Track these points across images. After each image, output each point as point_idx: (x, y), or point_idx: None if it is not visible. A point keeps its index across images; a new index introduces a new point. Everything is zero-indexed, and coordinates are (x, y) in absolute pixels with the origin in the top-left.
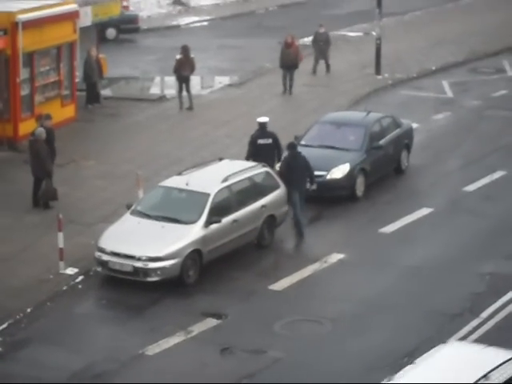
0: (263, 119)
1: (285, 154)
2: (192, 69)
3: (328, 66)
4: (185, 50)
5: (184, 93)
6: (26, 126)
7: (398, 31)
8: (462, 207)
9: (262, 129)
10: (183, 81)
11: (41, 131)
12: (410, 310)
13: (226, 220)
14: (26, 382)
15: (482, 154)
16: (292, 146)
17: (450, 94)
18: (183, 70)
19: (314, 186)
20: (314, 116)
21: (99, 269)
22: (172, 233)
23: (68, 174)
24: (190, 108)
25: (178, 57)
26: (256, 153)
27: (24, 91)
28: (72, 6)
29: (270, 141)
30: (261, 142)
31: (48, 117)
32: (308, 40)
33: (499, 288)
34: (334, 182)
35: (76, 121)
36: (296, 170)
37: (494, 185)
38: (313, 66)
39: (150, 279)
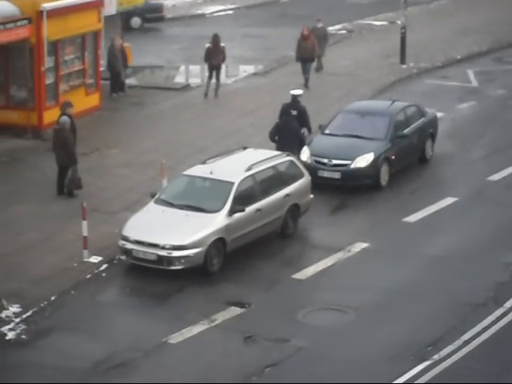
0: (295, 92)
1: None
2: (223, 57)
3: (321, 65)
4: (214, 39)
5: (213, 80)
6: (51, 115)
7: (422, 20)
8: (487, 197)
9: (294, 101)
10: (213, 69)
11: (65, 119)
12: (433, 299)
13: (250, 209)
14: (50, 369)
15: (506, 143)
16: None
17: (474, 83)
18: (213, 59)
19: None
20: (338, 105)
21: (123, 257)
22: (196, 221)
23: (92, 163)
24: (216, 95)
25: (207, 45)
26: (280, 126)
27: (49, 80)
28: None
29: (294, 112)
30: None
31: (69, 104)
32: (333, 28)
33: None
34: (359, 171)
35: (100, 109)
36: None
37: None
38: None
39: (173, 268)
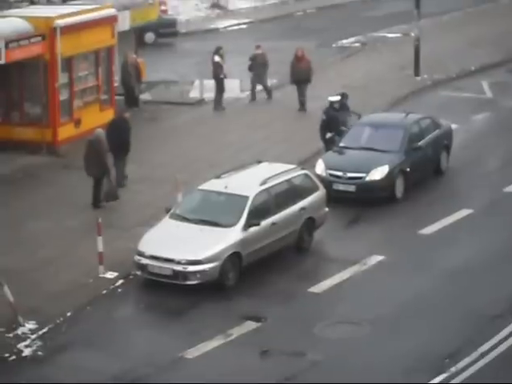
0: (333, 98)
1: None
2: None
3: (268, 92)
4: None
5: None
6: (65, 131)
7: (436, 32)
8: (502, 208)
9: (331, 107)
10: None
11: (100, 132)
12: (449, 311)
13: (265, 223)
14: None
15: None
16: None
17: (489, 94)
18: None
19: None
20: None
21: (139, 272)
22: (211, 236)
23: None
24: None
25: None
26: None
27: (63, 96)
28: (110, 11)
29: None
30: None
31: (125, 110)
32: (347, 41)
33: None
34: (374, 184)
35: None
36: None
37: None
38: (250, 93)
39: (189, 282)
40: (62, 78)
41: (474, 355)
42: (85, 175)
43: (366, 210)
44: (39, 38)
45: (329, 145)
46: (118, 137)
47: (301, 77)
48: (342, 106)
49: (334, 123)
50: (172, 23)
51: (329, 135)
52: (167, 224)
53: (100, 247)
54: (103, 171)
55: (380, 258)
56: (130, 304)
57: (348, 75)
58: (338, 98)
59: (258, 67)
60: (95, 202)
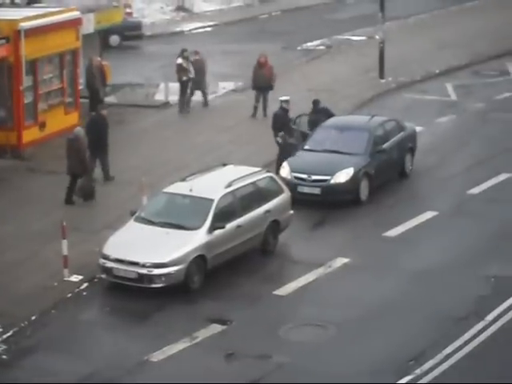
0: (283, 98)
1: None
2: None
3: (206, 99)
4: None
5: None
6: (30, 134)
7: (401, 35)
8: (467, 210)
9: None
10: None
11: (79, 130)
12: (415, 313)
13: (230, 225)
14: None
15: (486, 156)
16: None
17: (453, 96)
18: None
19: None
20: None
21: (104, 276)
22: (176, 239)
23: None
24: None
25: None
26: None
27: (27, 99)
28: (75, 14)
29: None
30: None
31: (104, 106)
32: (312, 44)
33: (504, 291)
34: (338, 186)
35: None
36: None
37: (498, 187)
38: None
39: (154, 285)
40: (27, 81)
41: (439, 357)
42: (50, 178)
43: (331, 212)
44: (3, 41)
45: (286, 146)
46: (96, 133)
47: (263, 83)
48: (320, 110)
49: (279, 123)
50: (137, 26)
51: (281, 134)
52: (132, 227)
53: (65, 250)
54: (82, 169)
55: (345, 260)
56: (95, 307)
57: (313, 78)
58: (287, 97)
59: (196, 73)
60: (68, 198)
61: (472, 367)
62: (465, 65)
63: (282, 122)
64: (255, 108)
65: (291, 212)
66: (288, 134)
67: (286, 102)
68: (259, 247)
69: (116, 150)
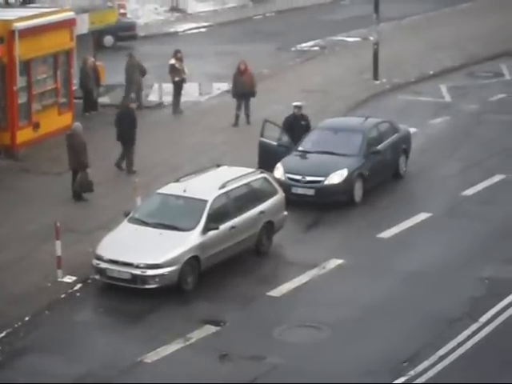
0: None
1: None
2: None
3: (141, 102)
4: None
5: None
6: (24, 135)
7: (395, 36)
8: (461, 211)
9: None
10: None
11: (77, 125)
12: (409, 315)
13: (224, 226)
14: None
15: (480, 158)
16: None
17: (447, 98)
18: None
19: None
20: (311, 122)
21: (97, 276)
22: (170, 240)
23: (65, 182)
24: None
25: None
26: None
27: (21, 99)
28: (69, 14)
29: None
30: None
31: (132, 100)
32: (306, 45)
33: (498, 292)
34: (333, 188)
35: None
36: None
37: (492, 189)
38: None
39: (148, 286)
40: (21, 82)
41: (433, 358)
42: (44, 178)
43: (325, 213)
44: None
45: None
46: (125, 127)
47: (244, 90)
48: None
49: (287, 127)
50: (131, 26)
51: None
52: (126, 228)
53: (58, 251)
54: (80, 165)
55: (339, 261)
56: (89, 308)
57: (307, 79)
58: (299, 103)
59: (135, 74)
60: (75, 194)
61: (466, 368)
62: (459, 66)
63: (289, 127)
64: (237, 116)
65: (285, 213)
66: (293, 139)
67: (298, 107)
68: (253, 248)
69: (109, 151)
